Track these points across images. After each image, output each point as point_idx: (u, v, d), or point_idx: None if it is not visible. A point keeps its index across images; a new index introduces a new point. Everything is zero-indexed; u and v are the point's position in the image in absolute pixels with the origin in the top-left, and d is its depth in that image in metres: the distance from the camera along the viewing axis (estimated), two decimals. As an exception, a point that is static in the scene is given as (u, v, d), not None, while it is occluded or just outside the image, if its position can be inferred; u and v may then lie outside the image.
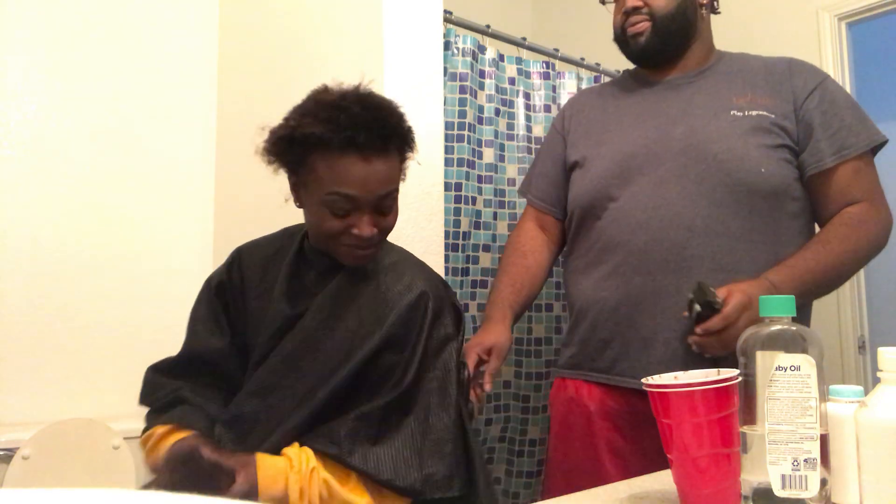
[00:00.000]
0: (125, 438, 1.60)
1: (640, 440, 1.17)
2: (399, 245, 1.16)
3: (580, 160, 1.32)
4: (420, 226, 1.52)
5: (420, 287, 1.03)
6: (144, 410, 1.07)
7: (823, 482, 0.66)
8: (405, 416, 0.96)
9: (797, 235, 1.20)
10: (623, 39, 1.31)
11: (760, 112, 1.20)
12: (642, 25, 1.26)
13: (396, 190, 1.03)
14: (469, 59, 1.82)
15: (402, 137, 1.02)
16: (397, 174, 1.03)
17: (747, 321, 1.01)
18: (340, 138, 0.94)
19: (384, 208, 1.01)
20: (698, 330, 1.05)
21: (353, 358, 0.98)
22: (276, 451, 0.93)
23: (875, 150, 1.21)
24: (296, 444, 0.93)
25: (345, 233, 0.99)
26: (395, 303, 1.01)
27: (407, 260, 1.11)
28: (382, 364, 0.99)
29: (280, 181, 1.05)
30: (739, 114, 1.20)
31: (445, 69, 1.74)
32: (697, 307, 1.04)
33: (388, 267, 1.07)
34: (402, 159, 1.05)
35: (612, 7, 1.35)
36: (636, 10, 1.26)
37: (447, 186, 1.73)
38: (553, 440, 1.32)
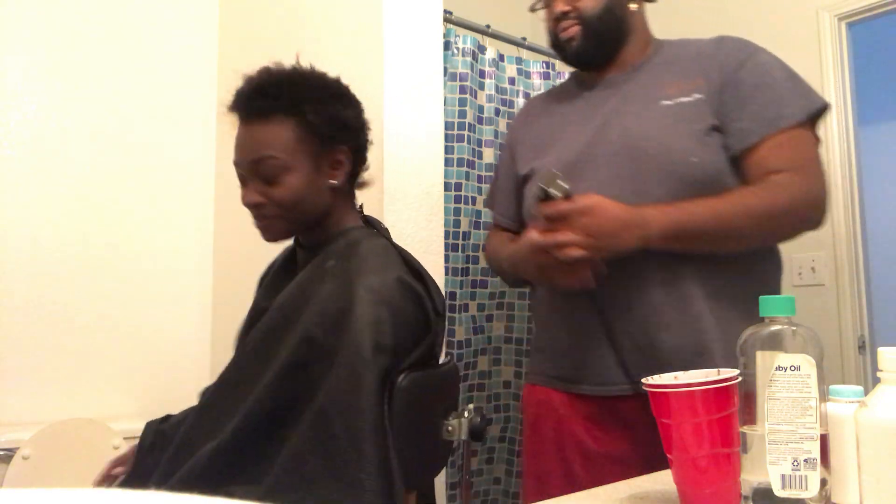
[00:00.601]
0: (125, 438, 1.60)
1: (608, 444, 1.15)
2: (399, 245, 1.12)
3: (529, 173, 1.30)
4: (420, 226, 1.52)
5: (351, 295, 0.92)
6: (144, 410, 1.09)
7: (823, 482, 0.66)
8: (335, 439, 0.86)
9: None
10: (558, 45, 1.29)
11: (690, 97, 1.15)
12: (573, 30, 1.24)
13: (275, 157, 0.95)
14: (469, 59, 1.82)
15: (290, 101, 0.96)
16: (281, 140, 0.95)
17: (586, 226, 0.99)
18: (230, 106, 0.99)
19: (265, 176, 0.96)
20: (533, 211, 1.02)
21: (280, 365, 0.92)
22: (218, 454, 0.91)
23: (815, 121, 1.15)
24: None
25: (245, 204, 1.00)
26: (326, 309, 0.94)
27: (367, 259, 0.99)
28: (310, 375, 0.91)
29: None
30: (669, 102, 1.17)
31: (445, 69, 1.74)
32: (539, 193, 1.02)
33: (342, 265, 0.98)
34: (308, 124, 0.97)
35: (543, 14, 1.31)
36: (565, 14, 1.24)
37: (447, 186, 1.73)
38: (525, 444, 1.31)
